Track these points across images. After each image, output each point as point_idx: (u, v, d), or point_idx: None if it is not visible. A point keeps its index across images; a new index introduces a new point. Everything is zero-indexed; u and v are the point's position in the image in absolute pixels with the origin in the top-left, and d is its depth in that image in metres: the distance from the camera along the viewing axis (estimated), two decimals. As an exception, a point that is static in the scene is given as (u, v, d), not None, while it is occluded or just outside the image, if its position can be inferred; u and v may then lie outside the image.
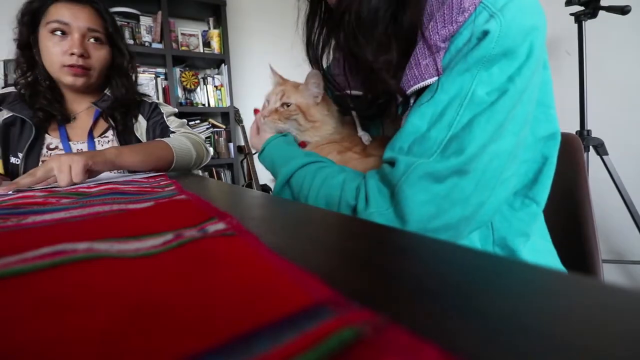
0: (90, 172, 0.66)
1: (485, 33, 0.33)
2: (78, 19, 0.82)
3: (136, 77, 1.01)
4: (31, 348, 0.09)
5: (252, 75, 2.55)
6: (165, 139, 0.89)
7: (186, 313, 0.11)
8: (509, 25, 0.33)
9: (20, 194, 0.46)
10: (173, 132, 0.97)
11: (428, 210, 0.34)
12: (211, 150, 2.36)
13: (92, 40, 0.86)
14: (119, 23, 2.16)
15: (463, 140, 0.34)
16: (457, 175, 0.34)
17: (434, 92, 0.36)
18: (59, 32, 0.82)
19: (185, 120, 1.05)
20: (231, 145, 2.40)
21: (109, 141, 0.94)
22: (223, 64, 2.30)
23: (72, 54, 0.82)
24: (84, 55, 0.84)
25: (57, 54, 0.82)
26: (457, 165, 0.34)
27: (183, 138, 0.93)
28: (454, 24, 0.34)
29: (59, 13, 0.81)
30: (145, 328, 0.10)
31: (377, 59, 0.44)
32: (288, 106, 0.55)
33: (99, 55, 0.88)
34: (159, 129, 0.98)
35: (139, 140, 0.98)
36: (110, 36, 0.91)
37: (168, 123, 0.99)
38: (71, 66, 0.83)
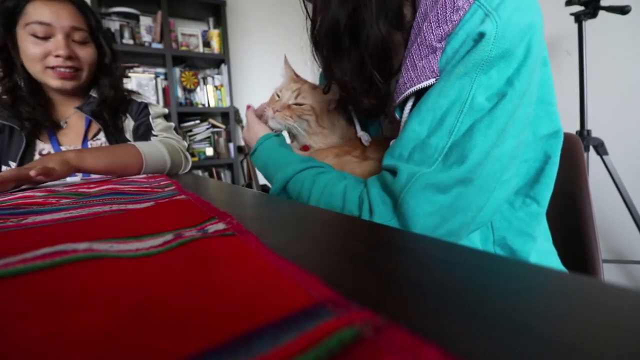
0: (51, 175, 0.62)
1: (482, 35, 0.32)
2: (60, 17, 0.77)
3: (121, 75, 0.96)
4: (31, 347, 0.09)
5: (252, 75, 2.55)
6: (137, 143, 0.82)
7: (186, 313, 0.11)
8: (506, 26, 0.32)
9: (20, 194, 0.46)
10: (155, 136, 0.92)
11: (433, 220, 0.34)
12: (212, 149, 2.36)
13: (77, 39, 0.81)
14: (118, 23, 2.13)
15: (464, 148, 0.33)
16: (461, 185, 0.33)
17: (433, 97, 0.35)
18: (40, 35, 0.76)
19: (172, 124, 1.00)
20: (231, 145, 2.40)
21: (101, 144, 0.92)
22: (223, 64, 2.30)
23: (58, 56, 0.77)
24: (72, 56, 0.79)
25: (39, 56, 0.76)
26: (460, 175, 0.33)
27: (159, 144, 0.87)
28: (448, 23, 0.34)
29: (39, 12, 0.75)
30: (145, 328, 0.10)
31: (344, 78, 0.45)
32: (301, 105, 0.54)
33: (85, 54, 0.83)
34: (143, 129, 0.94)
35: (129, 141, 0.93)
36: (94, 33, 0.86)
37: (153, 125, 0.94)
38: (56, 68, 0.79)
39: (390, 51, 0.44)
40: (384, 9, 0.40)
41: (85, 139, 0.90)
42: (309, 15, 0.47)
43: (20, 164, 0.82)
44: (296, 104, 0.54)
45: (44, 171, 0.57)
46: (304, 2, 0.48)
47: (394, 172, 0.37)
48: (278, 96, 0.56)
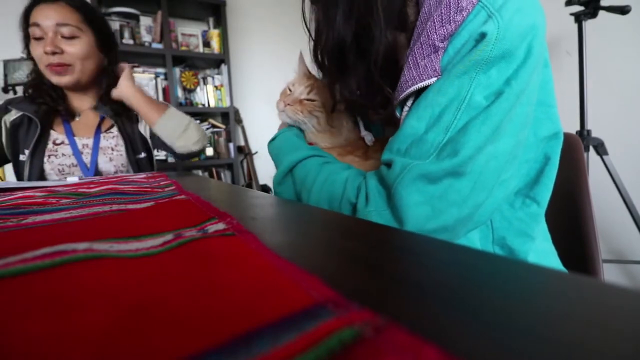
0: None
1: (483, 35, 0.33)
2: (47, 17, 0.84)
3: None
4: (31, 347, 0.09)
5: (252, 75, 2.55)
6: (173, 107, 0.97)
7: (186, 313, 0.11)
8: (507, 27, 0.32)
9: (20, 194, 0.46)
10: None
11: (423, 211, 0.34)
12: (212, 149, 2.36)
13: (64, 34, 0.86)
14: (118, 23, 2.15)
15: (458, 143, 0.34)
16: (451, 177, 0.34)
17: (432, 94, 0.36)
18: (37, 36, 0.84)
19: None
20: (231, 145, 2.40)
21: (113, 137, 0.97)
22: (223, 64, 2.30)
23: (47, 52, 0.83)
24: (56, 51, 0.85)
25: (39, 56, 0.85)
26: (451, 167, 0.33)
27: (187, 116, 0.98)
28: (452, 23, 0.34)
29: (35, 16, 0.83)
30: (145, 328, 0.10)
31: (353, 96, 0.46)
32: (313, 101, 0.54)
33: (73, 49, 0.87)
34: None
35: (142, 138, 1.01)
36: (93, 23, 0.91)
37: None
38: (50, 66, 0.85)
39: (398, 56, 0.44)
40: (390, 16, 0.40)
41: (98, 131, 0.95)
42: (311, 37, 0.47)
43: (33, 152, 0.88)
44: (308, 100, 0.54)
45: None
46: (306, 25, 0.47)
47: (389, 165, 0.37)
48: (290, 90, 0.56)
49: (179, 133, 0.94)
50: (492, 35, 0.32)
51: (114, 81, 0.95)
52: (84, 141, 0.93)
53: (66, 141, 0.91)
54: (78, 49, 0.88)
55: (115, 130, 0.97)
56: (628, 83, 1.35)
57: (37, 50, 0.84)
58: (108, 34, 0.95)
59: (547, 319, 0.10)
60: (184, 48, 2.22)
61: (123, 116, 0.97)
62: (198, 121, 2.25)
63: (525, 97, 0.35)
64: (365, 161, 0.51)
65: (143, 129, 1.00)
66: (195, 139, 0.97)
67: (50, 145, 0.90)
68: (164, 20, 2.07)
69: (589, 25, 1.22)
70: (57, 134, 0.91)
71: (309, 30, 0.47)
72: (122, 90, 0.91)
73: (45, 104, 0.88)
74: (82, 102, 0.96)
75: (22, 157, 0.88)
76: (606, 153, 1.17)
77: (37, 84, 0.89)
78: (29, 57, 0.88)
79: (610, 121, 1.37)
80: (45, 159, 0.89)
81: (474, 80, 0.33)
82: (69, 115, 0.93)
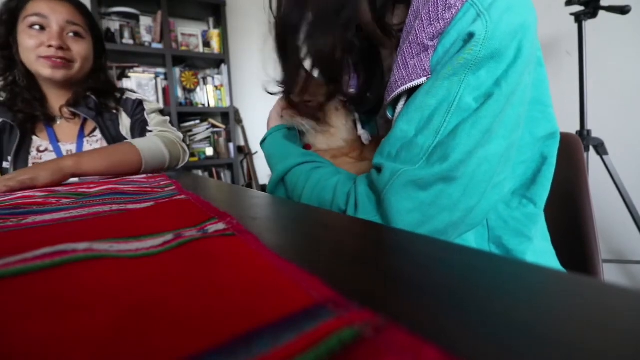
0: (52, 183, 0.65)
1: (471, 35, 0.32)
2: (56, 12, 0.82)
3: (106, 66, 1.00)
4: (31, 347, 0.09)
5: (252, 75, 2.55)
6: (134, 141, 0.84)
7: (186, 313, 0.11)
8: (496, 27, 0.32)
9: (20, 194, 0.46)
10: (150, 131, 0.94)
11: (414, 218, 0.34)
12: (212, 149, 2.36)
13: (71, 34, 0.85)
14: (118, 23, 2.14)
15: (448, 147, 0.33)
16: (442, 182, 0.33)
17: (422, 96, 0.35)
18: (37, 27, 0.81)
19: (167, 118, 1.02)
20: (231, 145, 2.40)
21: (97, 140, 0.93)
22: (223, 64, 2.30)
23: (50, 46, 0.81)
24: (63, 47, 0.83)
25: (33, 46, 0.81)
26: (442, 172, 0.33)
27: (155, 139, 0.88)
28: (440, 21, 0.33)
29: (37, 7, 0.81)
30: (145, 328, 0.10)
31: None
32: (309, 102, 0.54)
33: (80, 49, 0.87)
34: (139, 126, 0.95)
35: (126, 139, 0.94)
36: (94, 29, 0.90)
37: (148, 120, 0.96)
38: (48, 57, 0.82)
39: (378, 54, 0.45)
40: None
41: (81, 135, 0.91)
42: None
43: (15, 158, 0.84)
44: (305, 101, 0.54)
45: (25, 183, 0.59)
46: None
47: (380, 169, 0.37)
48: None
49: (163, 167, 0.89)
50: (480, 35, 0.32)
51: (101, 86, 0.93)
52: (68, 147, 0.89)
53: (50, 148, 0.87)
54: (82, 49, 0.87)
55: (98, 133, 0.93)
56: (628, 83, 1.35)
57: (31, 40, 0.81)
58: (102, 40, 0.95)
59: (547, 319, 0.10)
60: (184, 48, 2.22)
61: (105, 117, 0.93)
62: (200, 118, 2.12)
63: (517, 98, 0.34)
64: (359, 162, 0.51)
65: (125, 132, 0.96)
66: (179, 160, 0.93)
67: (34, 153, 0.86)
68: (164, 20, 2.07)
69: (589, 25, 1.22)
70: (40, 141, 0.88)
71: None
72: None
73: (21, 111, 0.84)
74: (60, 101, 0.91)
75: (5, 165, 0.85)
76: (606, 153, 1.17)
77: (10, 85, 0.85)
78: (6, 53, 0.83)
79: (610, 121, 1.37)
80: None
81: (463, 81, 0.33)
82: (49, 119, 0.90)
